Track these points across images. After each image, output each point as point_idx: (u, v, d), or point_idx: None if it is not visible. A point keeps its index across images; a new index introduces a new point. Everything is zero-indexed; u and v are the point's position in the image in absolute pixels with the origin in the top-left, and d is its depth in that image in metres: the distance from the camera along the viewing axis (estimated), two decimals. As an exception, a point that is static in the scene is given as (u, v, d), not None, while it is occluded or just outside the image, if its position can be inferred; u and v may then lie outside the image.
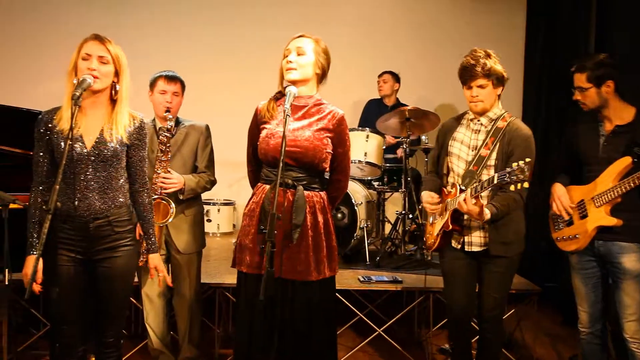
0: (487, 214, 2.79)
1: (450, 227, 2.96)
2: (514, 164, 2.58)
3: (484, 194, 2.88)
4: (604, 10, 4.70)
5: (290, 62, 2.67)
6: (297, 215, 2.62)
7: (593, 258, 2.99)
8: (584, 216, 2.96)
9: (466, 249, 2.99)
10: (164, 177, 3.21)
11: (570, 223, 3.05)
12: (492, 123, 2.96)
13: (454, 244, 3.04)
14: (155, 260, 2.73)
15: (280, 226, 2.57)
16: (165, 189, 3.21)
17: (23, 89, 5.64)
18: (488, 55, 2.91)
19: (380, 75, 5.82)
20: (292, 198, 2.64)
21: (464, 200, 2.77)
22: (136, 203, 2.68)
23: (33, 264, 2.30)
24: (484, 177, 2.83)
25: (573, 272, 3.08)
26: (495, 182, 2.68)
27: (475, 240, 2.97)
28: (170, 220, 3.22)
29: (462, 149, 3.02)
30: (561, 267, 4.83)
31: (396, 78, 5.80)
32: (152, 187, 3.11)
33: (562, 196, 3.06)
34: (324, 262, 2.68)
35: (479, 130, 2.99)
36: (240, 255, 2.72)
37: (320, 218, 2.70)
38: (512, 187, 2.62)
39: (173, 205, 3.20)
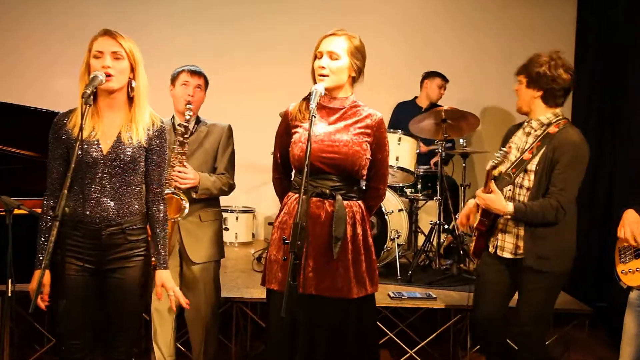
0: (509, 205, 2.79)
1: (476, 225, 2.99)
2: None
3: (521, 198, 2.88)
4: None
5: (322, 67, 2.53)
6: (337, 227, 2.51)
7: None
8: None
9: (498, 253, 2.94)
10: (179, 171, 3.10)
11: (639, 255, 2.83)
12: (544, 128, 2.88)
13: (490, 248, 3.02)
14: (163, 276, 2.57)
15: (318, 239, 2.51)
16: (180, 183, 3.10)
17: (30, 86, 5.47)
18: (550, 59, 2.84)
19: (431, 78, 5.49)
20: (332, 209, 2.53)
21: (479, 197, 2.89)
22: (149, 214, 2.57)
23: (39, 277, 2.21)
24: (525, 183, 2.86)
25: (628, 308, 2.87)
26: None
27: (507, 246, 2.92)
28: (183, 215, 3.09)
29: (513, 151, 2.99)
30: (611, 285, 4.60)
31: None
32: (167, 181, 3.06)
33: (632, 223, 2.81)
34: (364, 277, 2.58)
35: (529, 134, 2.93)
36: (270, 271, 2.61)
37: (359, 230, 2.60)
38: None
39: (186, 200, 3.08)
